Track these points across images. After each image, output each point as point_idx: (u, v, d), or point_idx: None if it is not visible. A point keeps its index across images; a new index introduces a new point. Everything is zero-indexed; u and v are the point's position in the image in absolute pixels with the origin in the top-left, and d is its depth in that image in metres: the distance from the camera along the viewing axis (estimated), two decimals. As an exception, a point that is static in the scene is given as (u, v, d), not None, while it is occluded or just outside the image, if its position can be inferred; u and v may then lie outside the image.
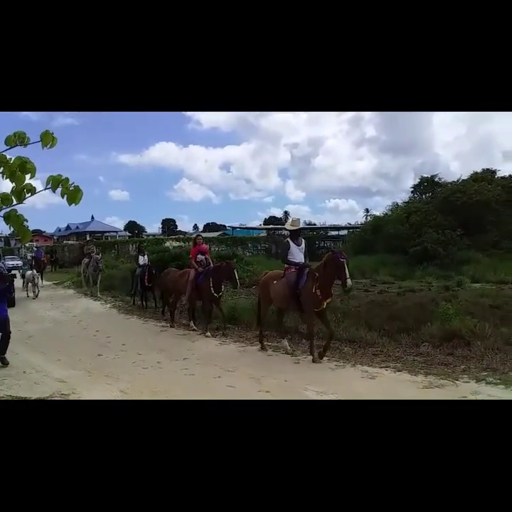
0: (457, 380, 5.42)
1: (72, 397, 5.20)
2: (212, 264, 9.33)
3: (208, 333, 8.55)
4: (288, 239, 7.48)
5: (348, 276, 6.41)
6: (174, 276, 10.11)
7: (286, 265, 7.26)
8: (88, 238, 50.12)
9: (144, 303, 12.40)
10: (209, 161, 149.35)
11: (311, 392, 5.19)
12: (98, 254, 15.83)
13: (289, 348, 7.29)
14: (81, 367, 6.64)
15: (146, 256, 13.40)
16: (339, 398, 4.93)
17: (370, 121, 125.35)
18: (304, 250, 7.33)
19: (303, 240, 7.52)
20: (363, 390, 5.26)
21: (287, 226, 7.75)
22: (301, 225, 7.96)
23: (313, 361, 6.54)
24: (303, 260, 7.22)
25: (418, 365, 6.07)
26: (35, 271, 15.88)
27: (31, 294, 15.16)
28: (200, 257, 9.40)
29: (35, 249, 22.42)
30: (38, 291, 15.24)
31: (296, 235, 7.41)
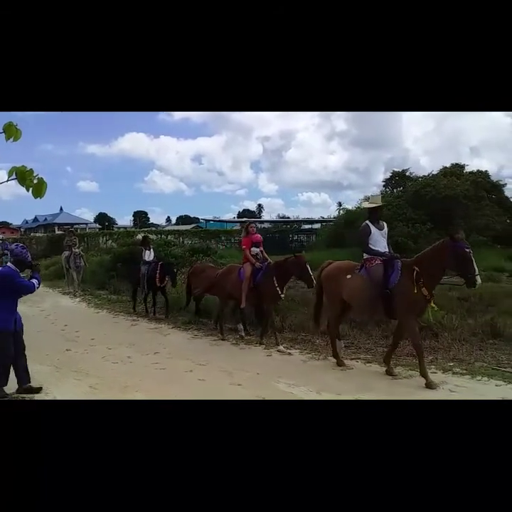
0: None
1: (39, 394, 5.07)
2: (269, 259, 7.61)
3: (263, 340, 7.22)
4: (367, 221, 5.78)
5: (477, 271, 4.87)
6: (212, 274, 8.32)
7: (366, 256, 5.64)
8: (57, 230, 48.94)
9: (146, 306, 10.32)
10: (180, 153, 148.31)
11: (283, 385, 5.22)
12: (79, 248, 14.02)
13: (343, 346, 6.21)
14: (49, 362, 6.48)
15: (152, 250, 10.70)
16: (310, 390, 4.98)
17: (340, 115, 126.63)
18: (386, 236, 5.77)
19: (384, 223, 5.88)
20: (334, 381, 5.32)
21: (364, 205, 6.17)
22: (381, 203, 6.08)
23: (427, 386, 4.92)
24: (386, 249, 5.67)
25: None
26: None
27: None
28: (254, 249, 7.52)
29: (14, 238, 21.53)
30: None
31: (376, 215, 5.83)
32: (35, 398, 4.94)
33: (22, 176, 1.89)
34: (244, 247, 7.68)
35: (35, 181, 1.91)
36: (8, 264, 5.30)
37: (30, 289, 5.10)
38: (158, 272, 9.77)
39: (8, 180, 1.92)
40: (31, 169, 1.91)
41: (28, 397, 4.98)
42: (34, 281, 5.14)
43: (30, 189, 1.92)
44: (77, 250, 13.55)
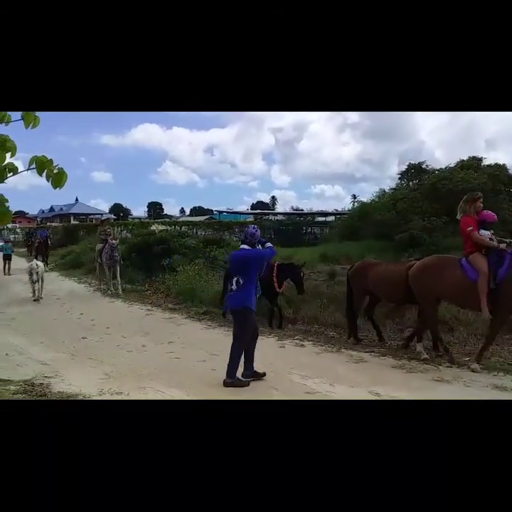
0: (440, 365, 5.50)
1: (55, 380, 5.16)
2: (506, 241, 5.35)
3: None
4: None
5: None
6: (389, 272, 6.26)
7: None
8: (73, 220, 49.41)
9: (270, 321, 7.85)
10: (193, 144, 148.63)
11: (296, 376, 5.22)
12: (115, 239, 12.19)
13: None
14: (64, 349, 6.58)
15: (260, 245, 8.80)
16: (323, 382, 4.98)
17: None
18: None
19: None
20: (348, 373, 5.31)
21: None
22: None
23: None
24: None
25: (402, 350, 6.15)
26: (37, 261, 11.40)
27: (39, 291, 10.89)
28: (484, 233, 5.33)
29: (31, 229, 20.70)
30: (42, 289, 11.08)
31: None
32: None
33: (41, 165, 1.89)
34: (469, 228, 5.27)
35: (55, 171, 1.92)
36: (243, 246, 5.08)
37: (273, 253, 5.18)
38: (275, 274, 7.46)
39: (28, 170, 1.93)
40: (51, 159, 1.91)
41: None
42: (268, 244, 5.16)
43: (50, 179, 1.93)
44: (114, 242, 11.75)
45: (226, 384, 4.87)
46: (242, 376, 4.99)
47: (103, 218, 14.35)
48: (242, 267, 4.97)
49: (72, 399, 4.56)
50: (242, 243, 5.17)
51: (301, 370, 5.39)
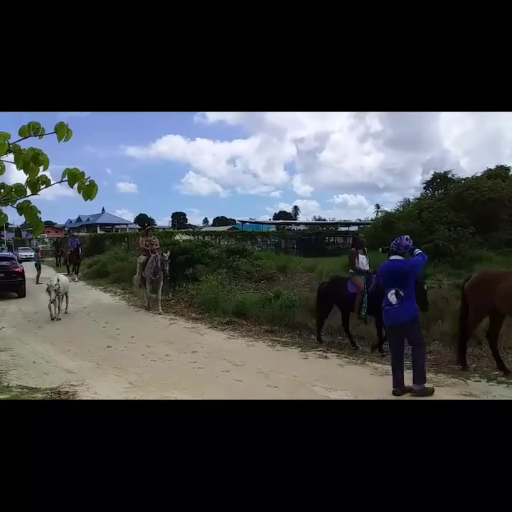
0: (468, 379, 5.37)
1: (81, 388, 5.23)
2: None
3: None
4: None
5: None
6: None
7: None
8: (99, 230, 50.22)
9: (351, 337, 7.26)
10: (216, 155, 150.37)
11: (320, 388, 5.17)
12: (166, 252, 10.90)
13: None
14: (90, 358, 6.68)
15: (366, 255, 7.37)
16: (348, 395, 4.91)
17: (374, 115, 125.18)
18: None
19: None
20: (372, 386, 5.22)
21: None
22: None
23: None
24: None
25: (428, 363, 6.00)
26: (60, 275, 10.47)
27: (57, 310, 9.85)
28: None
29: (58, 239, 20.83)
30: (67, 305, 10.56)
31: None
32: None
33: (73, 178, 1.93)
34: None
35: (86, 183, 1.95)
36: (395, 257, 4.96)
37: (424, 259, 4.99)
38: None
39: (60, 182, 1.98)
40: (83, 172, 1.95)
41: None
42: (417, 251, 4.99)
43: (81, 191, 1.97)
44: (165, 255, 10.63)
45: (415, 392, 4.76)
46: (416, 389, 4.80)
47: (147, 228, 12.83)
48: (400, 279, 4.88)
49: (71, 399, 4.60)
50: (392, 254, 5.00)
51: (325, 383, 5.33)
